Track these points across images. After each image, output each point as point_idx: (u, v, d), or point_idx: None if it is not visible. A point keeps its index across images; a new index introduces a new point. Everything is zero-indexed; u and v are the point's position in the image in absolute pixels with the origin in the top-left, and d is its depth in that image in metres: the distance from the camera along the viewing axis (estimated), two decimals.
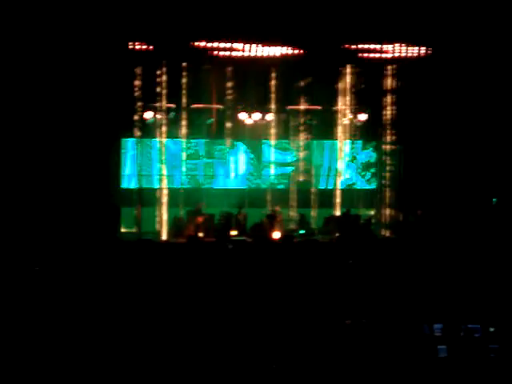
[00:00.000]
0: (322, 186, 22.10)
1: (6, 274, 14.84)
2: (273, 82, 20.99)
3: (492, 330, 11.96)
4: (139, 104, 20.32)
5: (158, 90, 20.33)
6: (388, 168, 21.35)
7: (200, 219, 20.00)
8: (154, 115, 20.67)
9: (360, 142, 22.14)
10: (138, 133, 20.62)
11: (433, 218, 19.71)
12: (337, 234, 20.03)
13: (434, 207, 19.85)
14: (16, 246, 16.62)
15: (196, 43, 19.38)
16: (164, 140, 20.87)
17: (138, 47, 19.26)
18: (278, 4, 18.64)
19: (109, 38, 18.63)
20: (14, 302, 13.39)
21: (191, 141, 21.69)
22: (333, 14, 18.76)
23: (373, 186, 22.13)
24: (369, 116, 21.47)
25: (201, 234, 19.63)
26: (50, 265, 15.74)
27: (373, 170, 22.25)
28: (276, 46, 19.65)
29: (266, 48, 19.65)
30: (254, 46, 19.50)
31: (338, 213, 21.43)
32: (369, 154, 22.28)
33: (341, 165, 22.09)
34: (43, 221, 17.96)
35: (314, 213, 21.47)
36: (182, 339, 11.83)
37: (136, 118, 20.41)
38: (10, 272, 15.04)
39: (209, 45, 19.42)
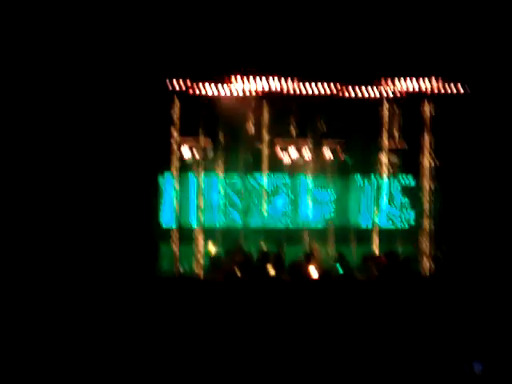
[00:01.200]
0: (360, 224, 22.00)
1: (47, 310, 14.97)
2: (311, 117, 21.08)
3: None
4: (179, 140, 20.49)
5: (197, 125, 20.51)
6: (427, 206, 21.22)
7: (238, 257, 20.02)
8: (193, 152, 20.81)
9: (399, 178, 22.05)
10: (176, 169, 20.77)
11: (473, 254, 19.54)
12: (376, 273, 19.91)
13: (473, 246, 19.68)
14: (59, 282, 16.76)
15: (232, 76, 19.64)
16: (202, 176, 20.98)
17: (176, 85, 19.51)
18: (319, 41, 18.80)
19: (148, 77, 18.86)
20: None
21: (228, 178, 21.74)
22: (370, 50, 18.88)
23: (412, 223, 21.99)
24: (409, 153, 21.41)
25: (239, 273, 19.63)
26: (91, 301, 15.82)
27: (413, 208, 22.12)
28: (314, 82, 19.82)
29: (306, 85, 19.82)
30: (295, 83, 19.72)
31: (376, 251, 21.30)
32: (408, 191, 22.17)
33: (380, 202, 22.02)
34: (84, 258, 18.06)
35: (352, 251, 21.37)
36: (216, 376, 11.84)
37: (175, 155, 20.57)
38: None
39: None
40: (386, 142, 21.39)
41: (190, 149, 20.80)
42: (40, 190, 18.40)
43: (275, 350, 13.18)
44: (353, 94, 20.14)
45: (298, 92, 19.97)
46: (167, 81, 19.40)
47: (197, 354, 12.90)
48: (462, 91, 19.76)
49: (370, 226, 21.90)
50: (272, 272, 19.89)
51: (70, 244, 18.22)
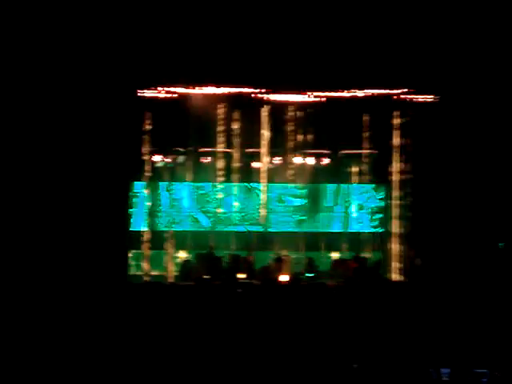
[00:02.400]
0: (330, 229, 22.12)
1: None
2: (283, 126, 21.17)
3: (499, 374, 11.94)
4: (149, 148, 20.50)
5: (168, 133, 20.52)
6: (396, 212, 21.35)
7: (208, 262, 20.08)
8: (164, 158, 20.84)
9: (368, 185, 22.18)
10: (147, 176, 20.77)
11: (440, 261, 19.67)
12: (345, 278, 20.02)
13: (441, 251, 19.81)
14: (20, 287, 16.69)
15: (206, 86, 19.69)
16: (173, 183, 21.01)
17: (147, 93, 19.52)
18: (291, 48, 18.87)
19: (118, 84, 18.85)
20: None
21: (199, 184, 21.82)
22: (341, 61, 18.98)
23: (380, 229, 22.13)
24: (377, 160, 21.53)
25: (208, 277, 19.67)
26: (59, 306, 15.77)
27: (381, 214, 22.26)
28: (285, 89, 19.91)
29: (278, 92, 19.93)
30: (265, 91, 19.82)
31: (345, 256, 21.43)
32: (377, 198, 22.31)
33: (348, 208, 22.15)
34: (51, 264, 18.00)
35: (321, 256, 21.49)
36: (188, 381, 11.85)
37: (146, 161, 20.58)
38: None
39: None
40: (355, 148, 21.53)
41: (161, 155, 20.86)
42: (11, 194, 18.34)
43: (244, 354, 13.20)
44: (323, 100, 20.23)
45: (269, 99, 20.05)
46: (137, 89, 19.42)
47: (168, 359, 12.90)
48: (431, 100, 19.91)
49: (339, 231, 22.05)
50: (242, 276, 19.97)
51: (39, 249, 18.15)
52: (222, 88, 19.69)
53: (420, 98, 19.95)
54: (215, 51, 18.66)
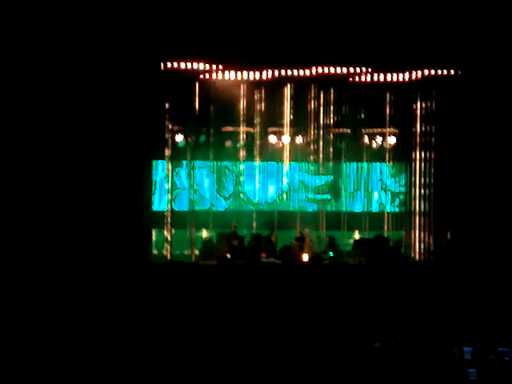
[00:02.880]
0: (351, 209, 22.08)
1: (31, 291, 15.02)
2: (303, 105, 21.12)
3: None
4: (171, 127, 20.51)
5: (191, 112, 20.53)
6: (418, 191, 21.29)
7: (231, 241, 20.11)
8: (186, 138, 20.84)
9: (390, 164, 22.11)
10: (169, 155, 20.80)
11: (464, 240, 19.62)
12: (367, 257, 20.02)
13: (465, 230, 19.76)
14: (47, 265, 16.79)
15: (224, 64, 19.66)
16: (194, 162, 21.03)
17: (169, 66, 19.48)
18: (308, 27, 18.78)
19: (141, 60, 18.83)
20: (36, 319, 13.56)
21: (220, 163, 21.83)
22: (362, 39, 18.87)
23: (403, 208, 22.08)
24: (399, 139, 21.47)
25: (230, 256, 19.72)
26: (82, 285, 15.89)
27: (403, 193, 22.20)
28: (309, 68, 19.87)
29: (297, 71, 19.87)
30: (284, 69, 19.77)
31: (367, 235, 21.42)
32: (399, 177, 22.24)
33: (371, 188, 22.12)
34: (76, 242, 18.10)
35: (343, 235, 21.49)
36: (211, 360, 11.88)
37: (168, 140, 20.60)
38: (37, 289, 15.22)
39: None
40: (378, 128, 21.47)
41: (183, 134, 20.85)
42: (31, 177, 18.41)
43: (268, 334, 13.24)
44: (344, 81, 20.17)
45: (289, 78, 20.00)
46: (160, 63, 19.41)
47: (189, 339, 12.95)
48: (452, 78, 19.79)
49: (361, 211, 22.02)
50: (264, 256, 20.00)
51: (61, 230, 18.25)
52: (244, 66, 19.70)
53: (442, 76, 19.84)
54: (239, 28, 18.60)
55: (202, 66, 19.68)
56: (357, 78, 20.13)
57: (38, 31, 18.21)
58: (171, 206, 20.90)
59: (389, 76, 20.05)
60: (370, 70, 19.90)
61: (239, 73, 19.88)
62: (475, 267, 17.71)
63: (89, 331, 13.23)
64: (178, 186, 21.57)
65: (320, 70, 19.94)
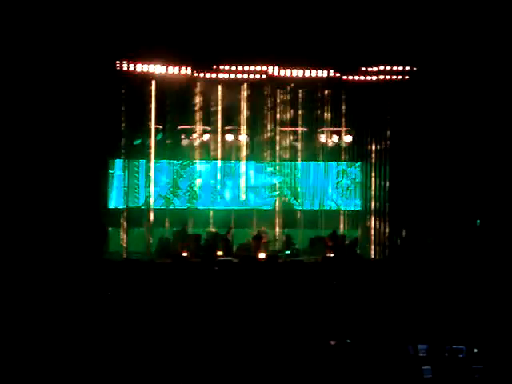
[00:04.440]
0: (307, 207, 22.16)
1: None
2: (260, 104, 21.15)
3: (476, 350, 12.04)
4: (127, 126, 20.42)
5: (146, 111, 20.45)
6: (373, 189, 21.43)
7: (186, 239, 20.09)
8: (142, 136, 20.78)
9: (345, 163, 22.22)
10: (125, 154, 20.72)
11: (418, 238, 19.79)
12: (323, 255, 20.10)
13: (419, 229, 19.93)
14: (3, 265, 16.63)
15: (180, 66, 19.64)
16: (151, 161, 20.96)
17: (125, 67, 19.39)
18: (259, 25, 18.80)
19: (97, 56, 18.72)
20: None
21: (176, 162, 21.79)
22: (318, 38, 18.94)
23: (358, 207, 22.21)
24: (354, 137, 21.58)
25: (186, 254, 19.69)
26: (37, 284, 15.74)
27: (358, 191, 22.33)
28: (263, 66, 19.87)
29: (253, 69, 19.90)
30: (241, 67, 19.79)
31: (323, 233, 21.52)
32: (354, 175, 22.36)
33: (326, 186, 22.21)
34: (29, 240, 17.94)
35: (299, 233, 21.56)
36: (165, 358, 11.85)
37: (123, 139, 20.52)
38: None
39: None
40: (333, 127, 21.56)
41: (139, 132, 20.79)
42: None
43: (222, 331, 13.22)
44: (300, 77, 20.22)
45: (247, 77, 20.04)
46: (116, 62, 19.31)
47: (145, 336, 12.89)
48: (408, 76, 19.93)
49: (317, 208, 22.11)
50: (220, 254, 20.00)
51: (17, 226, 18.09)
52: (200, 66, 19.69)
53: (397, 72, 19.96)
54: (198, 25, 18.57)
55: (158, 66, 19.64)
56: (313, 75, 20.18)
57: None
58: (127, 203, 20.82)
59: (344, 74, 20.14)
60: (327, 69, 19.95)
61: (195, 72, 19.86)
62: (430, 265, 17.88)
63: (42, 330, 13.12)
64: (134, 184, 21.48)
65: (276, 70, 19.99)
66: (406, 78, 19.98)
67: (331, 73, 19.99)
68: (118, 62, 19.31)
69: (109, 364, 11.52)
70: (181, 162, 21.78)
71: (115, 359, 11.71)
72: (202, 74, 19.92)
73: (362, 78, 20.14)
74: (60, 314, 14.04)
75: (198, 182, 21.83)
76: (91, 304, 14.79)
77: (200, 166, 21.82)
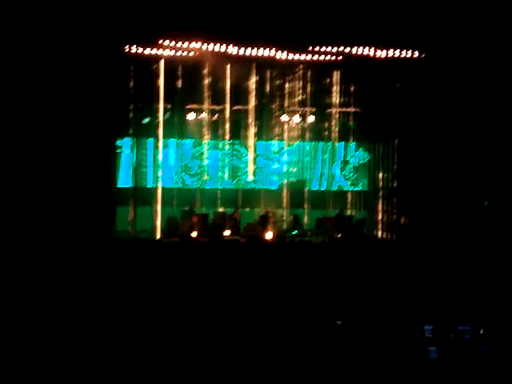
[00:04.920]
0: (314, 188, 22.18)
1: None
2: (268, 84, 21.13)
3: (482, 331, 12.08)
4: (135, 104, 20.44)
5: (154, 90, 20.45)
6: (381, 170, 21.43)
7: (194, 219, 20.12)
8: (150, 115, 20.80)
9: (353, 143, 22.22)
10: (133, 133, 20.75)
11: (425, 219, 19.78)
12: (330, 235, 20.13)
13: (426, 209, 19.92)
14: (11, 244, 16.69)
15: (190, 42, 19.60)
16: (159, 140, 20.98)
17: (133, 49, 19.42)
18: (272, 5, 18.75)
19: (105, 40, 18.72)
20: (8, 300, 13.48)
21: (185, 141, 21.82)
22: (328, 16, 18.87)
23: (366, 187, 22.21)
24: (362, 118, 21.56)
25: (194, 234, 19.74)
26: (46, 263, 15.81)
27: (366, 172, 22.34)
28: (269, 47, 19.80)
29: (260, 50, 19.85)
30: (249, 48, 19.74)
31: (330, 214, 21.55)
32: (362, 156, 22.37)
33: (334, 166, 22.23)
34: (39, 219, 18.01)
35: (306, 214, 21.58)
36: (175, 338, 11.90)
37: (132, 118, 20.54)
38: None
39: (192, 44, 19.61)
40: (341, 107, 21.53)
41: (148, 112, 20.81)
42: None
43: (228, 312, 13.27)
44: (308, 59, 20.15)
45: (254, 56, 19.96)
46: (123, 46, 19.30)
47: (152, 317, 12.95)
48: (416, 57, 19.85)
49: (325, 189, 22.13)
50: (227, 234, 20.05)
51: (26, 205, 18.15)
52: (208, 45, 19.62)
53: (405, 56, 19.90)
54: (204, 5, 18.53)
55: (166, 44, 19.63)
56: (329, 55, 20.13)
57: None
58: (135, 182, 20.86)
59: (354, 52, 20.07)
60: (334, 48, 19.89)
61: (203, 46, 19.80)
62: (437, 246, 17.89)
63: (53, 309, 13.19)
64: (143, 163, 21.52)
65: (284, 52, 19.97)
66: (417, 58, 19.88)
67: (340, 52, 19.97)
68: (125, 43, 19.30)
69: (115, 346, 11.58)
70: (191, 141, 21.81)
71: (122, 340, 11.78)
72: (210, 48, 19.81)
73: (372, 54, 20.05)
74: (68, 291, 14.13)
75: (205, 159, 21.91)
76: (99, 283, 14.87)
77: (208, 145, 21.84)
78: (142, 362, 11.09)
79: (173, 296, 14.15)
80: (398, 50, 19.72)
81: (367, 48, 19.71)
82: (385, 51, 19.75)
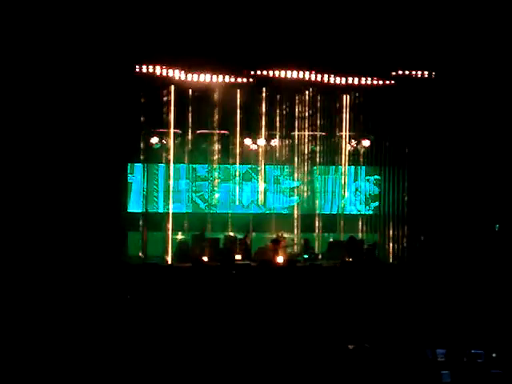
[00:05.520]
0: (325, 211, 22.17)
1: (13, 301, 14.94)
2: (277, 109, 21.19)
3: (495, 355, 12.02)
4: (146, 130, 20.53)
5: (165, 115, 20.53)
6: (392, 194, 21.41)
7: (205, 244, 20.14)
8: (160, 140, 20.88)
9: (364, 167, 22.22)
10: (144, 158, 20.82)
11: (437, 243, 19.75)
12: (341, 259, 20.09)
13: (438, 233, 19.89)
14: (24, 270, 16.72)
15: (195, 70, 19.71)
16: (170, 165, 21.04)
17: (144, 70, 19.50)
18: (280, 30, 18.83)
19: (115, 63, 18.82)
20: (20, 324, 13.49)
21: (196, 166, 21.88)
22: (338, 40, 18.95)
23: (377, 211, 22.18)
24: (372, 142, 21.58)
25: (205, 258, 19.73)
26: (57, 288, 15.83)
27: (378, 196, 22.31)
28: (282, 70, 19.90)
29: (274, 73, 19.94)
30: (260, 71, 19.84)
31: (341, 238, 21.52)
32: (372, 180, 22.36)
33: (344, 190, 22.21)
34: (50, 244, 18.05)
35: (317, 237, 21.57)
36: (185, 362, 11.88)
37: (142, 143, 20.62)
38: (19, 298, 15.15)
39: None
40: (352, 131, 21.57)
41: (158, 137, 20.88)
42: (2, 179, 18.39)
43: (241, 335, 13.25)
44: (318, 82, 20.24)
45: (266, 81, 20.08)
46: (135, 66, 19.40)
47: (163, 340, 12.95)
48: (426, 81, 19.90)
49: (336, 213, 22.11)
50: (238, 258, 20.03)
51: (38, 232, 18.20)
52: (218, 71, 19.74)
53: (415, 77, 19.94)
54: (215, 32, 18.61)
55: (176, 71, 19.73)
56: (331, 81, 20.21)
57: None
58: (146, 207, 20.90)
59: (363, 79, 20.16)
60: (345, 73, 19.98)
61: (214, 76, 19.93)
62: (448, 270, 17.85)
63: (62, 331, 13.20)
64: (154, 188, 21.58)
65: (295, 73, 20.03)
66: (426, 82, 19.93)
67: (349, 79, 20.06)
68: (136, 65, 19.39)
69: (123, 366, 11.58)
70: (203, 166, 21.87)
71: (130, 362, 11.77)
72: (220, 79, 19.93)
73: (381, 82, 20.12)
74: (79, 315, 14.13)
75: (216, 183, 21.95)
76: (110, 306, 14.87)
77: (218, 170, 21.89)
78: None
79: (184, 320, 14.14)
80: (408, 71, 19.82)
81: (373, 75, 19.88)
82: (394, 73, 19.86)
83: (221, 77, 19.92)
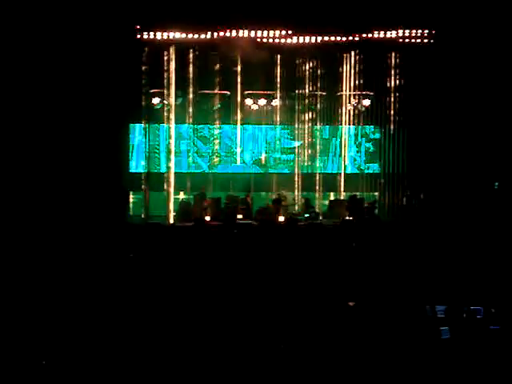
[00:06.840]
0: (326, 171, 22.22)
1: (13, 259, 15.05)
2: (278, 68, 21.15)
3: (493, 311, 12.14)
4: (147, 90, 20.53)
5: (166, 76, 20.52)
6: (392, 152, 21.46)
7: (206, 202, 20.21)
8: (162, 101, 20.89)
9: (364, 126, 22.23)
10: (145, 118, 20.84)
11: (436, 201, 19.82)
12: (341, 218, 20.19)
13: (437, 191, 19.96)
14: (26, 230, 16.81)
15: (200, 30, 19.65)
16: (171, 125, 21.07)
17: (145, 35, 19.51)
18: None
19: (117, 26, 18.79)
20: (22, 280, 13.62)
21: (197, 126, 21.88)
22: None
23: (377, 170, 22.24)
24: (373, 101, 21.58)
25: (207, 218, 19.83)
26: (60, 247, 15.93)
27: (376, 155, 22.35)
28: (281, 31, 19.82)
29: (272, 33, 19.84)
30: (260, 31, 19.74)
31: (342, 197, 21.61)
32: (373, 139, 22.39)
33: (345, 149, 22.25)
34: (53, 205, 18.14)
35: (318, 196, 21.65)
36: (187, 322, 11.97)
37: (144, 103, 20.63)
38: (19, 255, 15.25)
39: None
40: (353, 90, 21.55)
41: (160, 97, 20.89)
42: (12, 141, 18.44)
43: (241, 294, 13.34)
44: (319, 42, 20.20)
45: (265, 41, 20.01)
46: (136, 30, 19.37)
47: (164, 301, 13.03)
48: (427, 40, 19.86)
49: (336, 172, 22.17)
50: (240, 217, 20.13)
51: (40, 192, 18.29)
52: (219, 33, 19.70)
53: (415, 38, 19.90)
54: None
55: (177, 33, 19.72)
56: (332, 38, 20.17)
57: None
58: (148, 168, 20.97)
59: (364, 35, 20.11)
60: (343, 30, 19.94)
61: (215, 34, 19.88)
62: (447, 227, 17.92)
63: (66, 294, 13.29)
64: (155, 148, 21.63)
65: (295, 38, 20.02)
66: (426, 41, 19.89)
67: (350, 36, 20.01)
68: (137, 29, 19.37)
69: (126, 327, 11.68)
70: (204, 126, 21.89)
71: (134, 325, 11.87)
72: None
73: (382, 36, 20.06)
74: (82, 277, 14.23)
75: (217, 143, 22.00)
76: (113, 267, 14.98)
77: (220, 129, 21.93)
78: (153, 349, 11.19)
79: (187, 279, 14.22)
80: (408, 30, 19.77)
81: (378, 31, 19.78)
82: (395, 32, 19.80)
83: (221, 33, 19.83)
